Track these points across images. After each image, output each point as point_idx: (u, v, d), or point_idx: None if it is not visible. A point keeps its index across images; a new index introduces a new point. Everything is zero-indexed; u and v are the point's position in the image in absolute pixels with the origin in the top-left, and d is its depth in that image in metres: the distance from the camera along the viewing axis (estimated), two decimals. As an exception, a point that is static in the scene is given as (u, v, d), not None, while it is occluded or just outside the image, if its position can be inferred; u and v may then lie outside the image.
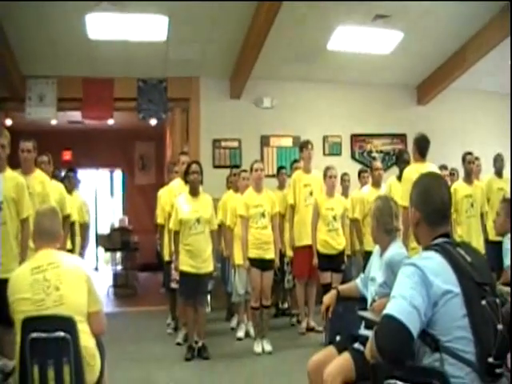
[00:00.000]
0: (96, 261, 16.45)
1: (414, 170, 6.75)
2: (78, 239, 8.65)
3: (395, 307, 2.44)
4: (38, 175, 6.64)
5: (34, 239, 3.93)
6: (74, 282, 3.66)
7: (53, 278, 3.61)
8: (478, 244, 7.73)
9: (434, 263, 2.51)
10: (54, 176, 8.02)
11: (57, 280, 3.61)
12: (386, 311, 2.46)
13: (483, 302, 2.45)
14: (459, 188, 8.06)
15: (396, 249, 4.13)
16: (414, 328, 2.39)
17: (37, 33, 9.03)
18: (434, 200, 2.74)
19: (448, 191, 2.80)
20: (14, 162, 6.24)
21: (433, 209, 2.73)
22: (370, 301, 4.12)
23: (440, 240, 2.65)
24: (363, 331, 3.97)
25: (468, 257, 2.56)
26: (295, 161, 9.77)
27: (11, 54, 9.49)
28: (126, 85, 10.49)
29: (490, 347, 2.41)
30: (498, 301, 2.51)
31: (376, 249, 4.36)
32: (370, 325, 3.71)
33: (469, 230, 7.95)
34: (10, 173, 5.91)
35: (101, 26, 8.88)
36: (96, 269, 16.22)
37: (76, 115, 11.67)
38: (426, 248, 2.66)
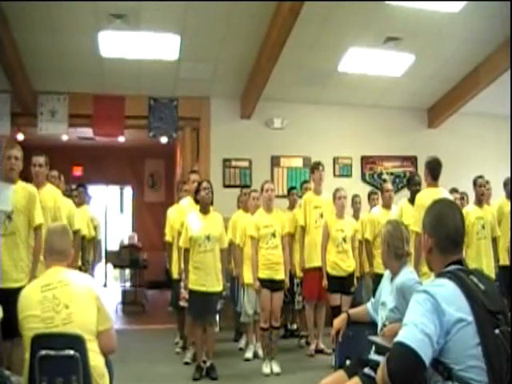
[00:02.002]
0: (105, 277, 16.46)
1: (426, 196, 6.66)
2: (88, 255, 8.70)
3: (407, 335, 2.42)
4: (50, 190, 6.72)
5: (45, 256, 3.94)
6: (84, 301, 3.66)
7: (62, 296, 3.61)
8: (488, 266, 7.70)
9: (447, 291, 2.49)
10: (64, 191, 8.08)
11: (66, 298, 3.61)
12: (398, 338, 2.44)
13: (496, 331, 2.42)
14: (470, 211, 8.02)
15: (407, 274, 4.12)
16: (426, 356, 2.37)
17: (49, 49, 9.11)
18: (446, 227, 2.72)
19: (461, 218, 2.78)
20: (26, 177, 6.29)
21: (446, 236, 2.71)
22: (380, 326, 4.10)
23: (453, 267, 2.63)
24: (373, 356, 3.95)
25: (481, 285, 2.54)
26: (305, 182, 9.77)
27: (23, 70, 9.59)
28: (137, 103, 10.55)
29: (503, 377, 2.39)
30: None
31: (386, 273, 4.34)
32: (380, 350, 3.69)
33: (478, 253, 7.90)
34: (21, 184, 6.01)
35: (113, 43, 9.00)
36: (105, 285, 16.23)
37: (87, 131, 11.72)
38: (439, 275, 2.64)
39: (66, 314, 3.57)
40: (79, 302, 3.64)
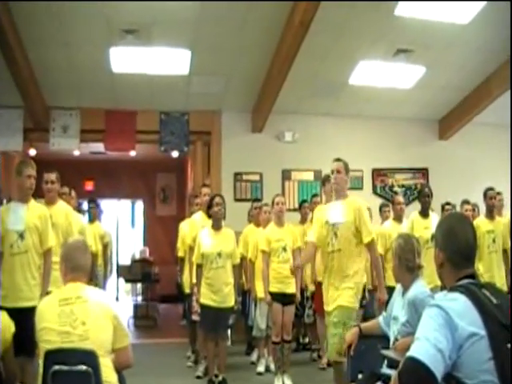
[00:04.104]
0: (116, 291, 16.47)
1: None
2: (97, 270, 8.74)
3: (419, 349, 2.40)
4: (62, 206, 6.74)
5: (64, 272, 3.88)
6: (101, 319, 3.65)
7: (80, 312, 3.61)
8: (500, 279, 7.67)
9: (459, 305, 2.48)
10: (76, 207, 8.12)
11: (83, 315, 3.60)
12: (410, 353, 2.42)
13: (509, 345, 2.40)
14: (481, 224, 7.99)
15: (418, 287, 4.11)
16: (438, 371, 2.35)
17: (61, 65, 9.19)
18: (457, 241, 2.71)
19: (473, 232, 2.77)
20: (37, 193, 6.32)
21: (457, 250, 2.70)
22: (392, 340, 4.09)
23: (465, 281, 2.62)
24: (386, 370, 3.94)
25: (494, 298, 2.52)
26: (315, 195, 9.78)
27: (36, 86, 9.67)
28: (149, 117, 10.61)
29: (516, 391, 2.38)
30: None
31: (398, 287, 4.33)
32: (392, 364, 3.68)
33: (490, 266, 7.88)
34: (33, 203, 6.05)
35: (124, 59, 9.06)
36: (116, 299, 16.24)
37: (98, 146, 11.79)
38: (451, 289, 2.63)
39: (83, 330, 3.57)
40: (96, 319, 3.63)
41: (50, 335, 3.58)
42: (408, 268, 4.18)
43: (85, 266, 3.90)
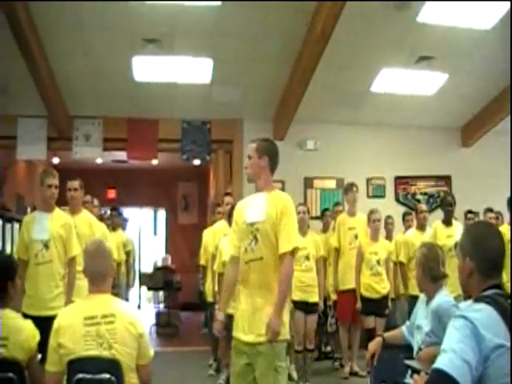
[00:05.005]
0: (139, 299, 16.54)
1: None
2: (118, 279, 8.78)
3: (446, 361, 2.37)
4: (85, 216, 6.79)
5: (88, 281, 3.79)
6: (128, 341, 3.57)
7: (107, 334, 3.53)
8: (526, 289, 7.58)
9: (485, 316, 2.44)
10: (99, 216, 8.17)
11: (111, 338, 3.53)
12: (436, 365, 2.38)
13: None
14: (504, 231, 7.90)
15: (442, 297, 4.07)
16: (465, 383, 2.33)
17: (84, 74, 9.29)
18: (488, 249, 2.66)
19: (501, 240, 2.72)
20: (61, 201, 6.36)
21: (486, 259, 2.65)
22: (416, 349, 4.06)
23: (491, 291, 2.58)
24: (409, 380, 3.90)
25: (520, 309, 2.50)
26: (337, 203, 9.76)
27: (59, 95, 9.78)
28: (171, 126, 10.65)
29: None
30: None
31: (422, 296, 4.30)
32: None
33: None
34: (58, 212, 6.10)
35: (146, 68, 9.11)
36: (139, 307, 16.29)
37: (120, 154, 11.85)
38: (476, 299, 2.59)
39: (109, 354, 3.54)
40: (123, 342, 3.55)
41: (72, 355, 3.55)
42: (432, 277, 4.14)
43: (106, 272, 3.78)
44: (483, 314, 2.46)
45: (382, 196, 11.27)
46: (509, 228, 7.92)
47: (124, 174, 15.81)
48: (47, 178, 5.98)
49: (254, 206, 4.40)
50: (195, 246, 9.58)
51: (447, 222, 7.84)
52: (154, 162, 11.83)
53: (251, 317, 4.22)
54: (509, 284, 7.60)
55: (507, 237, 7.77)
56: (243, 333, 4.27)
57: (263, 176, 4.42)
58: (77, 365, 3.52)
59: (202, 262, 8.55)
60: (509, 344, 2.38)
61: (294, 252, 4.22)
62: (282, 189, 10.80)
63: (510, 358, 2.37)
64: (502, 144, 11.28)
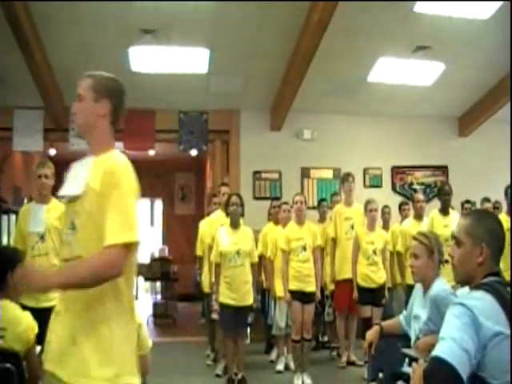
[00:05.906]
0: (136, 290, 16.49)
1: None
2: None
3: (445, 349, 2.37)
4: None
5: None
6: None
7: None
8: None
9: (484, 304, 2.45)
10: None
11: None
12: (435, 353, 2.39)
13: None
14: (502, 221, 7.90)
15: (440, 285, 4.08)
16: (464, 372, 2.33)
17: (81, 65, 9.20)
18: (501, 237, 2.70)
19: (502, 229, 2.75)
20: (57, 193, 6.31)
21: (498, 247, 2.68)
22: (413, 338, 4.07)
23: (490, 279, 2.59)
24: (407, 369, 3.91)
25: (519, 297, 2.50)
26: (334, 193, 9.77)
27: (55, 86, 9.72)
28: (168, 116, 10.62)
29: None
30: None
31: (417, 286, 4.31)
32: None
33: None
34: (54, 203, 5.92)
35: (143, 58, 9.07)
36: (136, 298, 16.23)
37: (117, 145, 11.78)
38: (476, 287, 2.59)
39: None
40: None
41: None
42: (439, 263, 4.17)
43: None
44: (482, 301, 2.46)
45: (379, 186, 11.27)
46: (508, 218, 7.94)
47: (121, 165, 15.76)
48: (38, 168, 5.92)
49: (73, 177, 2.94)
50: (192, 236, 9.58)
51: (444, 211, 7.86)
52: (151, 152, 11.82)
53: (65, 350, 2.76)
54: (506, 273, 7.63)
55: (506, 226, 7.81)
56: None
57: (99, 130, 3.01)
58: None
59: (199, 252, 8.55)
60: (508, 331, 2.38)
61: (129, 247, 2.67)
62: (279, 179, 10.84)
63: (509, 346, 2.38)
64: (499, 133, 11.27)
